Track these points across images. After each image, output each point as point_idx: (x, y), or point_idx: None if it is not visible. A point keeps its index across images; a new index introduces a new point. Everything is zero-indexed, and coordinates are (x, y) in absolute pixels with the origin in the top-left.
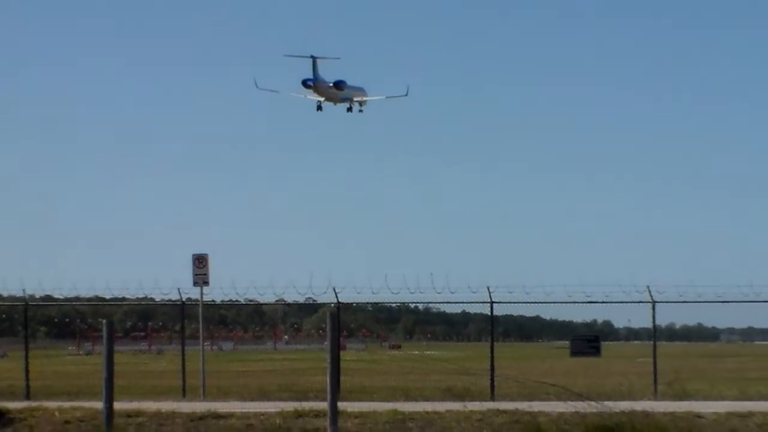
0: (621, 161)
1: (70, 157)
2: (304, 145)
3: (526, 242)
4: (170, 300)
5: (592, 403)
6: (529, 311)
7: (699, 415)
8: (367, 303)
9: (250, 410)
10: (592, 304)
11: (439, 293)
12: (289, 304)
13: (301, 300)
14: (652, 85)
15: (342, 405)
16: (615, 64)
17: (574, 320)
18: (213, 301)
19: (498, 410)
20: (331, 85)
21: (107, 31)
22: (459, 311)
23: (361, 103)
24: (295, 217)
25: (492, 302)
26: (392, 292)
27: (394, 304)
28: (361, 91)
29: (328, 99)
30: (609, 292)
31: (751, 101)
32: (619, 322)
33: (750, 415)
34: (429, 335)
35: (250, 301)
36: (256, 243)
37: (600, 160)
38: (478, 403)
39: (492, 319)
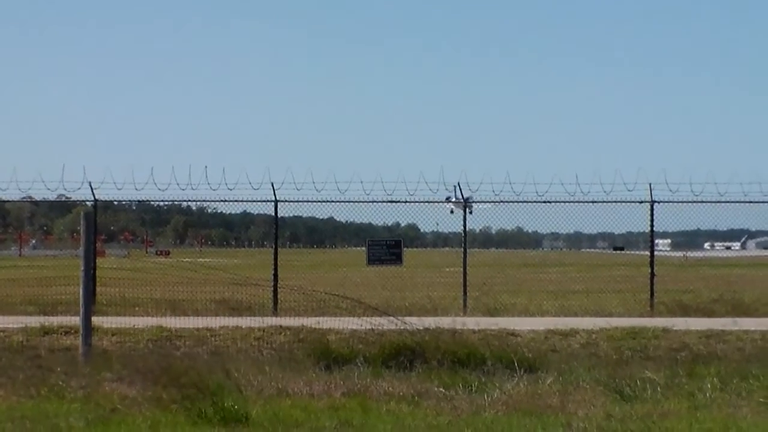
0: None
1: None
2: None
3: (318, 132)
4: None
5: (392, 318)
6: (321, 212)
7: (514, 333)
8: (130, 201)
9: None
10: (394, 203)
11: (214, 190)
12: (37, 203)
13: (52, 197)
14: None
15: (97, 320)
16: None
17: (374, 223)
18: None
19: (281, 326)
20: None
21: None
22: (239, 212)
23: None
24: (42, 94)
25: (276, 201)
26: (159, 189)
27: (161, 203)
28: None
29: (458, 207)
30: (414, 190)
31: None
32: (425, 226)
33: (573, 333)
34: (203, 240)
35: None
36: None
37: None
38: (258, 318)
39: (276, 221)
